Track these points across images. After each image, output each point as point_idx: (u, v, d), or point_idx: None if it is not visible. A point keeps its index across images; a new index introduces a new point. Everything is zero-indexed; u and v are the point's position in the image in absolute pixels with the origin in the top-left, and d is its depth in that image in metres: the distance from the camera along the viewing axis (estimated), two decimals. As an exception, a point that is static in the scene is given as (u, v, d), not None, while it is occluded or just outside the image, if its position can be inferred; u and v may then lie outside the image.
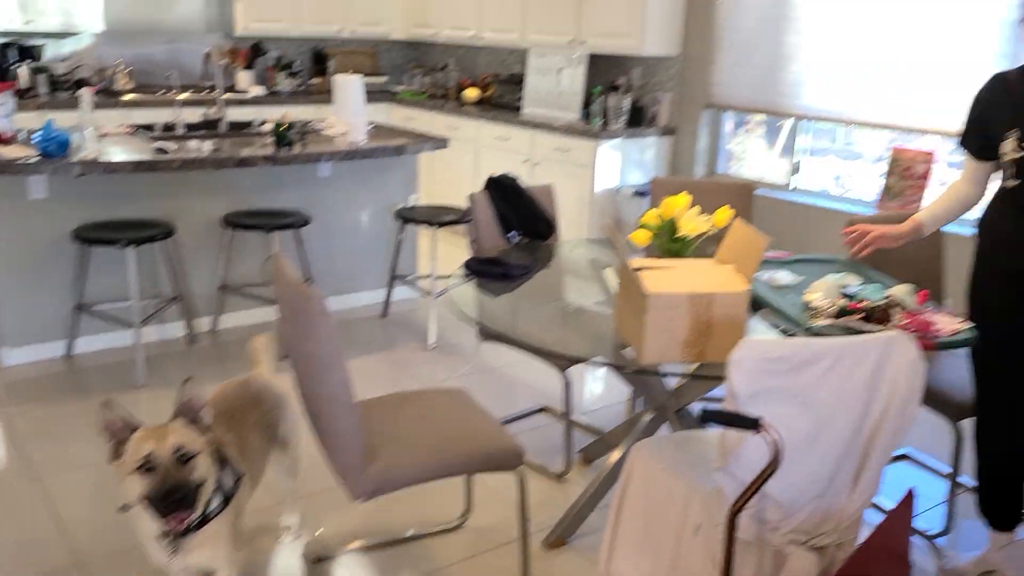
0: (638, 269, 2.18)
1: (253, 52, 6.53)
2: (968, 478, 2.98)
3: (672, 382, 2.71)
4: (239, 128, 4.59)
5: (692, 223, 2.49)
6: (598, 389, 3.81)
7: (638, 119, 5.37)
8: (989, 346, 2.35)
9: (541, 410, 3.58)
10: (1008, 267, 2.32)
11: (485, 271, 2.70)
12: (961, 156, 2.49)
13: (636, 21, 5.09)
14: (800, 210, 4.72)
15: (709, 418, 1.65)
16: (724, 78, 5.07)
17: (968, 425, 2.55)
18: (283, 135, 4.05)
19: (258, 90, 6.32)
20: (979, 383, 2.46)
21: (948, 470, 3.08)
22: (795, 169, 4.92)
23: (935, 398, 2.62)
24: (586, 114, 5.52)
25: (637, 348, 2.11)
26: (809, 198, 4.75)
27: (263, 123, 4.63)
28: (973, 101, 2.40)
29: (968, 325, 2.25)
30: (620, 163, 5.22)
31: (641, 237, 2.52)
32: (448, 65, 7.00)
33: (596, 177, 5.14)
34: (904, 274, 2.87)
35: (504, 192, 3.23)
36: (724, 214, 2.54)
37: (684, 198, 2.52)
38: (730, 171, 5.31)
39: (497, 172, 3.34)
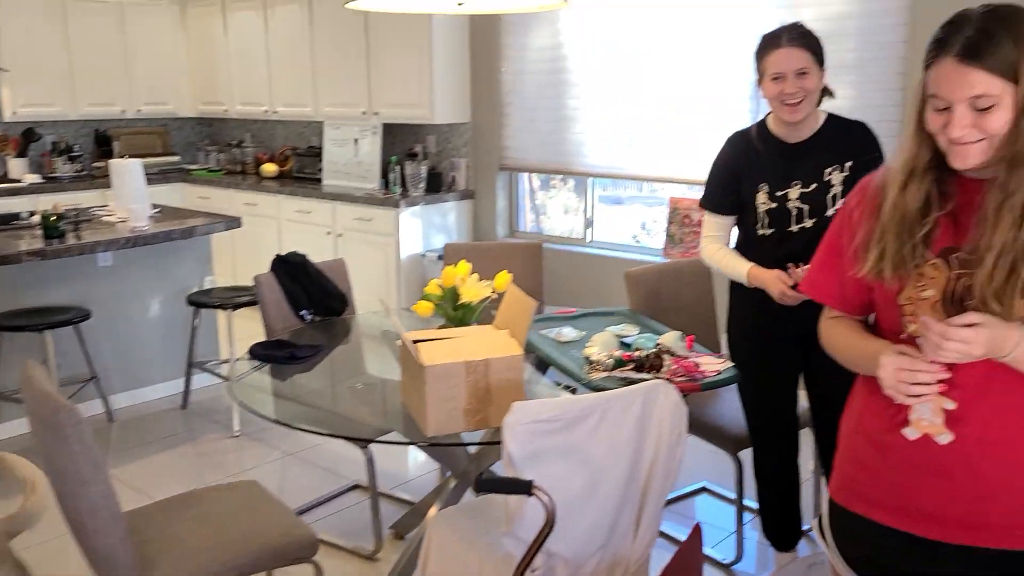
0: (417, 341, 2.19)
1: (26, 138, 6.10)
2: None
3: (472, 448, 2.72)
4: (3, 221, 4.24)
5: (473, 290, 2.54)
6: (414, 458, 3.76)
7: (437, 185, 5.46)
8: (750, 382, 2.54)
9: (354, 487, 3.49)
10: (761, 308, 2.46)
11: (271, 356, 2.62)
12: (707, 215, 2.55)
13: (424, 91, 5.21)
14: (595, 262, 4.94)
15: (482, 487, 1.66)
16: (514, 141, 5.28)
17: (747, 456, 2.74)
18: (52, 226, 3.78)
19: (34, 178, 5.90)
20: (748, 416, 2.64)
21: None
22: (589, 223, 5.16)
23: (715, 433, 2.79)
24: (385, 183, 5.55)
25: (421, 420, 2.11)
26: (603, 250, 5.00)
27: (32, 214, 4.32)
28: (717, 161, 2.52)
29: (729, 365, 2.42)
30: (422, 229, 5.28)
31: (424, 308, 2.55)
32: (244, 140, 6.86)
33: (400, 245, 5.17)
34: (682, 319, 3.05)
35: (292, 270, 3.17)
36: (504, 278, 2.62)
37: (464, 266, 2.57)
38: (541, 228, 5.48)
39: (300, 247, 3.28)
